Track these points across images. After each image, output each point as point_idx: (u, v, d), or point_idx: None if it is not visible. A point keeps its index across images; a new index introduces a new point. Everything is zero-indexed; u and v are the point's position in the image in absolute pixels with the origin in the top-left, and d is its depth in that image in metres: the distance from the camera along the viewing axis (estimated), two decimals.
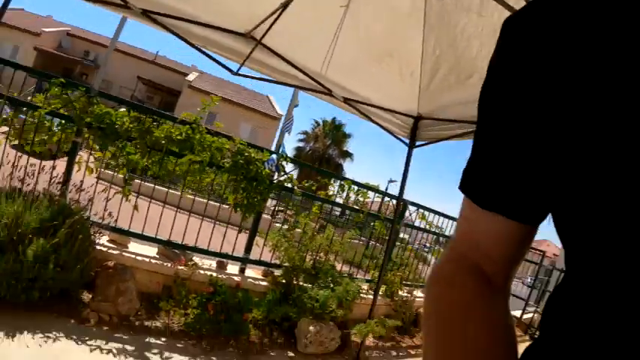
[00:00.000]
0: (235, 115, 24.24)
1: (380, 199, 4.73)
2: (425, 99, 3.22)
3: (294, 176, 3.82)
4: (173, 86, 27.66)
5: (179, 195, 3.33)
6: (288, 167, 3.83)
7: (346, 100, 3.47)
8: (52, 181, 3.14)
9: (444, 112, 3.25)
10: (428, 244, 6.17)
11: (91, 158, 3.38)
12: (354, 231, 4.20)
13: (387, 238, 4.45)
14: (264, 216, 4.17)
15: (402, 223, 4.87)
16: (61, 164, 3.40)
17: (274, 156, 3.72)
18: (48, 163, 3.22)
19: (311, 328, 3.40)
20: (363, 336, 3.72)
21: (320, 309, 3.44)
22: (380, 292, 4.21)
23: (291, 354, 3.36)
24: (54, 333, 2.65)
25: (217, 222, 3.36)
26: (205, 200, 3.55)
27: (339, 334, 3.64)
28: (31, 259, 2.55)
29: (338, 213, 6.43)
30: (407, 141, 3.72)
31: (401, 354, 4.08)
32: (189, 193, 3.31)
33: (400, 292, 4.72)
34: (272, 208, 5.70)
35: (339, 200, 4.23)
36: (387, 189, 4.29)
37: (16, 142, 3.24)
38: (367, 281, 4.38)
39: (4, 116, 3.12)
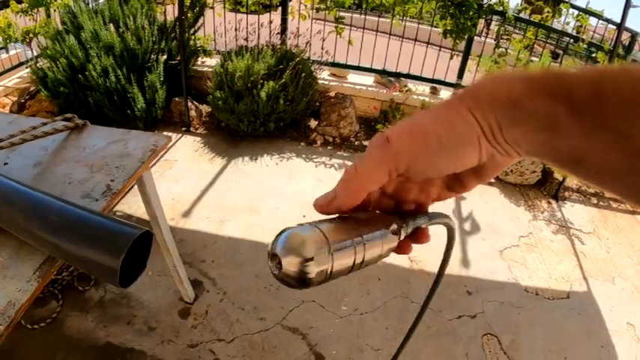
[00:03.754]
0: None
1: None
2: None
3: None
4: None
5: (389, 22, 3.44)
6: None
7: None
8: (272, 33, 3.59)
9: None
10: None
11: (302, 6, 3.68)
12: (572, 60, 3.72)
13: None
14: (477, 38, 3.99)
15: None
16: (277, 17, 3.80)
17: None
18: (265, 19, 3.64)
19: None
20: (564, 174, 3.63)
21: None
22: None
23: (492, 180, 3.60)
24: (287, 153, 3.37)
25: (430, 45, 3.42)
26: (416, 26, 3.61)
27: (540, 168, 3.64)
28: (264, 99, 3.11)
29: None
30: None
31: (602, 203, 3.81)
32: (399, 20, 3.35)
33: None
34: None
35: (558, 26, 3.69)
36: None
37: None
38: None
39: None
